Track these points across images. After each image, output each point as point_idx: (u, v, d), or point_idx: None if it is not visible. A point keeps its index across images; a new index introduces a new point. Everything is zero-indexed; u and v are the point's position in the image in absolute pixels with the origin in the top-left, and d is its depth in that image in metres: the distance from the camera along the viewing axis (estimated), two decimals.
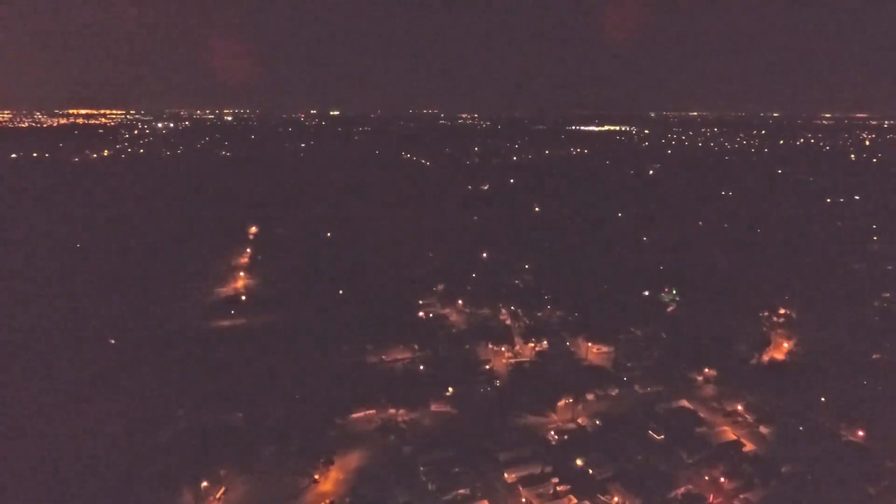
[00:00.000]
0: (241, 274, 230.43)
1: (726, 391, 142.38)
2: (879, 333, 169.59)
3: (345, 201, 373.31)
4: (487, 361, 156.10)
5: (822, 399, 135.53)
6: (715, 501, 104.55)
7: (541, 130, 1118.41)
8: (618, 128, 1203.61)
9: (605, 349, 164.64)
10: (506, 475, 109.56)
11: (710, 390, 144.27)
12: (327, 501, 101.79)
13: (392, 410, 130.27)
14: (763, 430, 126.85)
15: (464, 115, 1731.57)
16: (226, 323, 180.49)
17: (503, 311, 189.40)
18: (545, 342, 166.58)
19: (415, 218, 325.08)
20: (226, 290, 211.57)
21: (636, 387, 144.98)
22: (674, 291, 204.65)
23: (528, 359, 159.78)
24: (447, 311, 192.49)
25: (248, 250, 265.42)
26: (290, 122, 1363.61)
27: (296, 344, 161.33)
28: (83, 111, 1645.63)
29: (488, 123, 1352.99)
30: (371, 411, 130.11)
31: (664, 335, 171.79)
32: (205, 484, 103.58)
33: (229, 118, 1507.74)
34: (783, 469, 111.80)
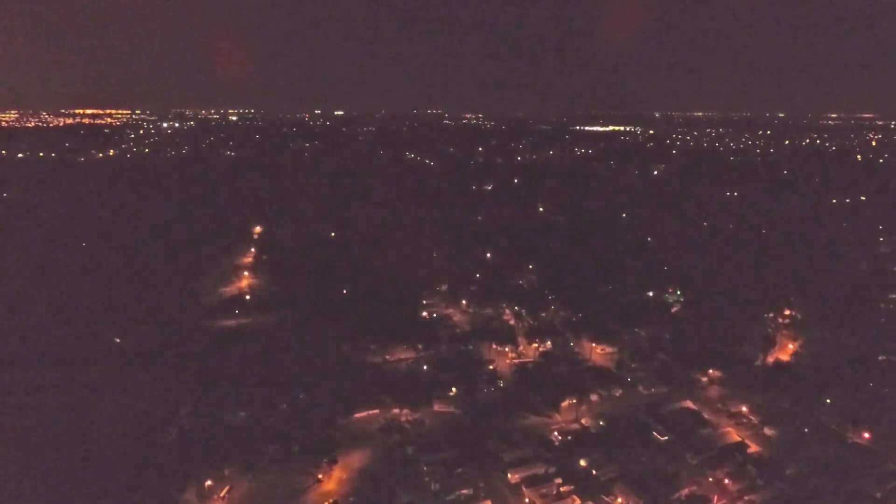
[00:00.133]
0: (246, 273, 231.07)
1: (731, 392, 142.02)
2: (885, 335, 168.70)
3: (349, 201, 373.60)
4: (491, 362, 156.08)
5: (828, 401, 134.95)
6: (719, 503, 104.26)
7: (545, 130, 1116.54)
8: (622, 128, 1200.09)
9: (608, 350, 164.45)
10: (509, 475, 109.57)
11: (714, 391, 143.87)
12: (330, 501, 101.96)
13: (395, 410, 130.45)
14: (768, 431, 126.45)
15: (468, 116, 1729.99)
16: (230, 322, 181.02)
17: (507, 311, 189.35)
18: (549, 342, 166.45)
19: (418, 218, 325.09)
20: (230, 290, 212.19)
21: (640, 387, 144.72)
22: (678, 292, 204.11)
23: (531, 359, 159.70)
24: (451, 311, 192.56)
25: (253, 250, 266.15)
26: (295, 122, 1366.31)
27: (300, 343, 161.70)
28: (89, 111, 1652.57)
29: (492, 123, 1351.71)
30: (374, 411, 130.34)
31: (668, 336, 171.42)
32: (209, 482, 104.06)
33: (234, 118, 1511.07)
34: (788, 471, 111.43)
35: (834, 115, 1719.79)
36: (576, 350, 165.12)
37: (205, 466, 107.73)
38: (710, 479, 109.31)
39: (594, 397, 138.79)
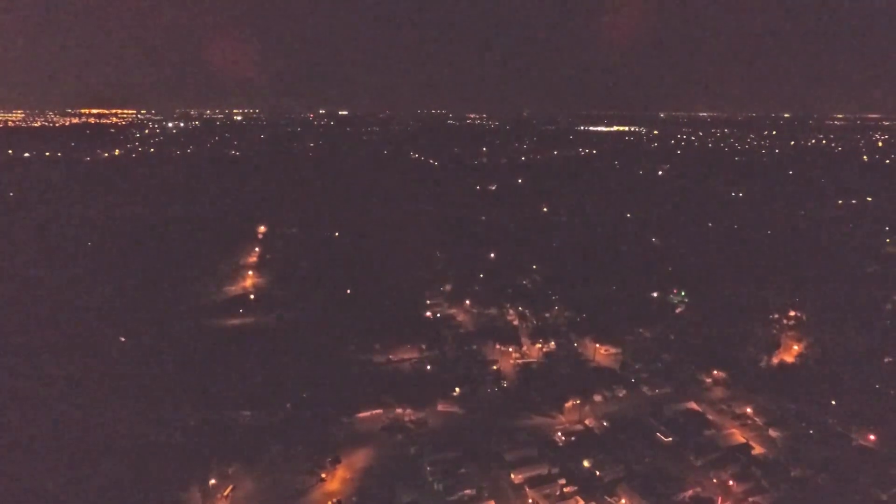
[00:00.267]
0: (250, 273, 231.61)
1: (735, 393, 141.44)
2: (891, 336, 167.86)
3: (353, 201, 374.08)
4: (495, 362, 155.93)
5: (833, 402, 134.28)
6: None
7: (549, 131, 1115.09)
8: (627, 128, 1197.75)
9: (612, 350, 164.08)
10: (512, 476, 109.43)
11: (719, 392, 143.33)
12: (334, 500, 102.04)
13: (399, 410, 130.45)
14: (773, 433, 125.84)
15: (472, 115, 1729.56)
16: (234, 321, 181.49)
17: (511, 311, 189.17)
18: (553, 343, 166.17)
19: (423, 218, 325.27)
20: (235, 289, 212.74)
21: (644, 388, 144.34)
22: (682, 293, 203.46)
23: (535, 359, 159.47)
24: (454, 310, 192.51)
25: (257, 249, 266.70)
26: (299, 121, 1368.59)
27: (303, 343, 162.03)
28: (95, 111, 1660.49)
29: (497, 123, 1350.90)
30: (378, 411, 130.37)
31: (672, 337, 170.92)
32: (213, 481, 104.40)
33: (239, 118, 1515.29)
34: (793, 473, 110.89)
35: (840, 116, 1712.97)
36: (579, 350, 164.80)
37: (208, 465, 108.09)
38: (715, 481, 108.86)
39: (598, 398, 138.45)
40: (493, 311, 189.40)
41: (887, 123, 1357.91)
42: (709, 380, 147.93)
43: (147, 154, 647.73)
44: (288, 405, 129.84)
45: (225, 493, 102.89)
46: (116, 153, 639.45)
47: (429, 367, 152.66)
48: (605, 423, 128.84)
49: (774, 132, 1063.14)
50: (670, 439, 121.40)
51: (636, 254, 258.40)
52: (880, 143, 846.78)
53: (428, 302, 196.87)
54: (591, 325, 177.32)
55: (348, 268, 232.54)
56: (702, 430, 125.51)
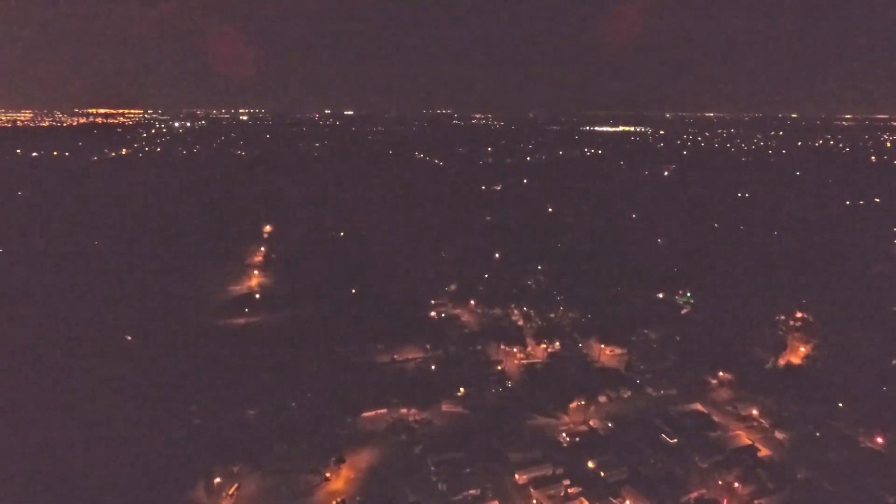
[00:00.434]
0: (256, 272, 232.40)
1: (741, 395, 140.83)
2: None
3: (358, 201, 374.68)
4: (499, 362, 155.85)
5: (840, 404, 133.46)
6: None
7: (554, 131, 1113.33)
8: (632, 128, 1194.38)
9: (618, 351, 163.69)
10: (517, 476, 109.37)
11: (724, 394, 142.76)
12: (338, 499, 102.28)
13: (403, 410, 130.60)
14: (779, 435, 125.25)
15: (477, 116, 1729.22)
16: (240, 321, 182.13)
17: (515, 311, 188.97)
18: (557, 343, 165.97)
19: (427, 218, 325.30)
20: (240, 289, 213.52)
21: (649, 389, 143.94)
22: (688, 294, 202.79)
23: (540, 360, 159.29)
24: (459, 311, 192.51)
25: (263, 249, 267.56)
26: (305, 121, 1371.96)
27: (309, 342, 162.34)
28: (102, 110, 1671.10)
29: (502, 124, 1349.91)
30: (382, 410, 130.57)
31: (678, 338, 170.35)
32: (218, 480, 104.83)
33: (244, 118, 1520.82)
34: (799, 475, 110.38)
35: (848, 116, 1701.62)
36: (584, 351, 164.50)
37: (214, 463, 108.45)
38: (720, 483, 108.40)
39: (603, 399, 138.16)
40: (497, 311, 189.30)
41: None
42: (714, 381, 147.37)
43: (154, 154, 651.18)
44: (293, 404, 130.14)
45: (230, 492, 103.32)
46: (123, 153, 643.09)
47: (433, 367, 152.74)
48: (609, 424, 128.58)
49: (781, 132, 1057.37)
50: (675, 440, 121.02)
51: (642, 254, 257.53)
52: (888, 144, 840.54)
53: (432, 302, 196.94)
54: (596, 325, 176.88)
55: (353, 267, 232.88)
56: (707, 432, 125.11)
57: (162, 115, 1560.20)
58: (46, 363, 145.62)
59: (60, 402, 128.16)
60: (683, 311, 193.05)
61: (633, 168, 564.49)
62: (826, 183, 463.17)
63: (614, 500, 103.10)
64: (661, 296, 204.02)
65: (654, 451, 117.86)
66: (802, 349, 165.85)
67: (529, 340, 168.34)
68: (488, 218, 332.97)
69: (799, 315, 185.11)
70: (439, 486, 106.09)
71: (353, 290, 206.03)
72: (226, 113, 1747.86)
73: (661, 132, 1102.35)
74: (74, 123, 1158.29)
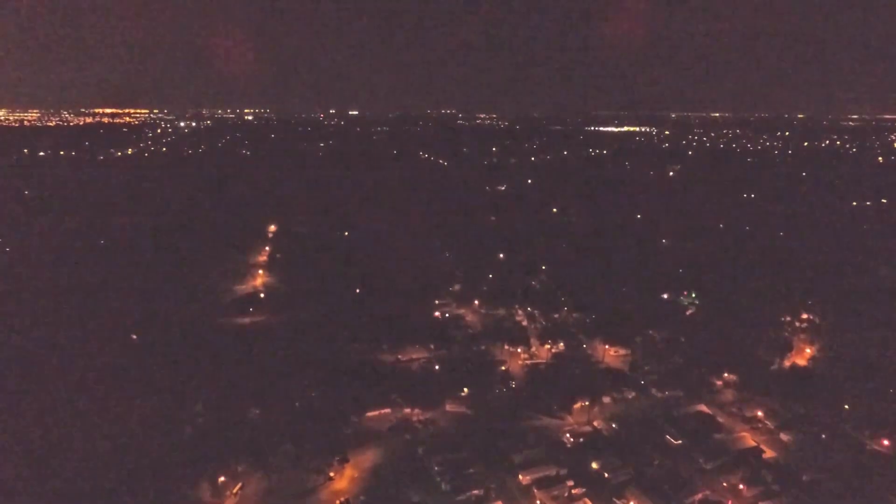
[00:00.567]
0: (260, 272, 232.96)
1: (746, 397, 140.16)
2: None
3: (362, 201, 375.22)
4: (503, 362, 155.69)
5: (846, 407, 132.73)
6: None
7: (559, 131, 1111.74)
8: (637, 129, 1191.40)
9: (622, 352, 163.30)
10: (520, 477, 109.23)
11: (729, 395, 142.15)
12: (341, 499, 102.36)
13: (407, 410, 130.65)
14: (784, 437, 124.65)
15: (482, 116, 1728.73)
16: (245, 320, 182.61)
17: (519, 312, 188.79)
18: (561, 344, 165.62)
19: (432, 218, 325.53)
20: (245, 288, 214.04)
21: (653, 390, 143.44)
22: (693, 295, 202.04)
23: (544, 360, 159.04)
24: (463, 311, 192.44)
25: (267, 248, 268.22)
26: (310, 121, 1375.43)
27: (313, 342, 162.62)
28: (108, 110, 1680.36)
29: (506, 124, 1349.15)
30: (386, 410, 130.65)
31: (683, 339, 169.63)
32: (222, 479, 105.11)
33: (250, 118, 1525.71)
34: (804, 477, 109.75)
35: (854, 117, 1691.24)
36: (589, 352, 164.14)
37: (218, 463, 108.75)
38: (725, 485, 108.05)
39: (607, 400, 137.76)
40: (501, 311, 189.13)
41: None
42: (719, 382, 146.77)
43: (159, 153, 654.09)
44: (297, 404, 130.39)
45: (234, 491, 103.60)
46: (129, 152, 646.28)
47: (437, 367, 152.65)
48: (613, 425, 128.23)
49: (788, 133, 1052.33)
50: (680, 442, 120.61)
51: (646, 255, 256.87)
52: None
53: (437, 302, 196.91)
54: (600, 326, 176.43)
55: (357, 267, 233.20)
56: (712, 433, 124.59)
57: (168, 115, 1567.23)
58: (52, 361, 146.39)
59: (66, 400, 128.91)
60: (688, 312, 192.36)
61: (638, 168, 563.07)
62: (832, 184, 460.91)
63: (618, 501, 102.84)
64: (665, 296, 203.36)
65: (658, 453, 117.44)
66: (808, 351, 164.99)
67: (533, 341, 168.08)
68: (492, 218, 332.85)
69: (804, 316, 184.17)
70: (443, 487, 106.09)
71: (357, 290, 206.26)
72: (231, 113, 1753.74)
73: (667, 132, 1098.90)
74: (81, 123, 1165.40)
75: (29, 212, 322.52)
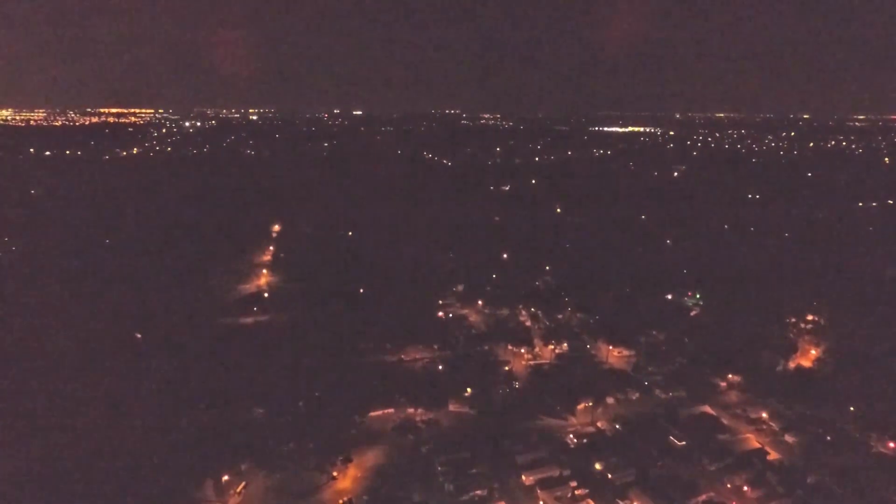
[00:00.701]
0: (264, 271, 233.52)
1: (751, 398, 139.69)
2: None
3: (366, 201, 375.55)
4: (507, 363, 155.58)
5: (851, 408, 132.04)
6: None
7: (563, 131, 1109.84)
8: (642, 129, 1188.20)
9: (626, 353, 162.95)
10: (523, 477, 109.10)
11: (733, 396, 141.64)
12: (345, 498, 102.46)
13: (410, 410, 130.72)
14: (789, 438, 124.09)
15: (486, 116, 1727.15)
16: (248, 319, 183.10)
17: (523, 312, 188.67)
18: (565, 344, 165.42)
19: (436, 218, 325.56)
20: (249, 287, 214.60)
21: (657, 391, 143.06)
22: (697, 295, 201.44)
23: (547, 361, 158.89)
24: (467, 311, 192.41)
25: (271, 248, 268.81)
26: (314, 121, 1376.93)
27: (316, 342, 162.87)
28: (114, 110, 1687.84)
29: (511, 124, 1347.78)
30: (390, 410, 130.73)
31: (687, 339, 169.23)
32: (226, 478, 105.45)
33: (254, 118, 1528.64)
34: (809, 479, 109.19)
35: (860, 117, 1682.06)
36: (592, 352, 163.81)
37: (222, 462, 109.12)
38: (729, 486, 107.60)
39: (610, 400, 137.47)
40: (505, 311, 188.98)
41: None
42: (723, 383, 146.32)
43: (164, 153, 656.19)
44: (300, 403, 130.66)
45: (238, 490, 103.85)
46: (134, 152, 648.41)
47: (441, 368, 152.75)
48: (617, 426, 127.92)
49: (793, 133, 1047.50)
50: (684, 443, 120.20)
51: (650, 255, 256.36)
52: None
53: (440, 302, 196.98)
54: (604, 326, 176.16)
55: (361, 267, 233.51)
56: (716, 435, 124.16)
57: (172, 114, 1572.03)
58: (56, 360, 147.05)
59: (69, 399, 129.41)
60: (692, 313, 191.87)
61: (642, 169, 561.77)
62: (838, 185, 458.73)
63: (621, 503, 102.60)
64: (669, 297, 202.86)
65: (662, 454, 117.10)
66: (813, 352, 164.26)
67: (537, 341, 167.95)
68: (496, 218, 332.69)
69: (810, 317, 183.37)
70: (446, 487, 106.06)
71: (361, 290, 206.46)
72: (236, 113, 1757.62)
73: (671, 133, 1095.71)
74: (86, 123, 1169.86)
75: (35, 211, 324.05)
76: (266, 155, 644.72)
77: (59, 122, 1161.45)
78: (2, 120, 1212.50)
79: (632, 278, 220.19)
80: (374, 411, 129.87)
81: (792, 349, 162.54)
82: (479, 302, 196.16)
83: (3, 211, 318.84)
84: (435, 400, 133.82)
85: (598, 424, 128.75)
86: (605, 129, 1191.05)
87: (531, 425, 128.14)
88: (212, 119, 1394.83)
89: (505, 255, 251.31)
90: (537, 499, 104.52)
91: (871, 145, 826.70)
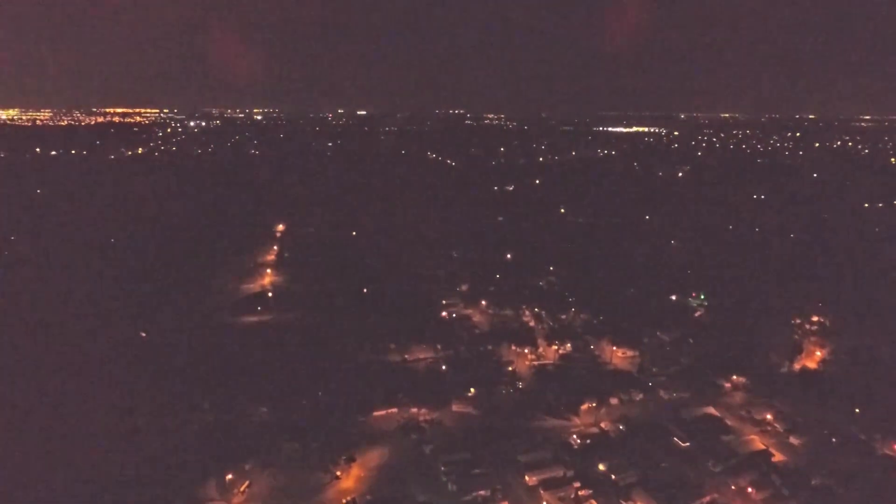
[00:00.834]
0: (268, 271, 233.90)
1: (755, 399, 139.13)
2: None
3: (370, 201, 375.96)
4: (510, 363, 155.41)
5: (857, 410, 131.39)
6: None
7: (567, 131, 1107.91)
8: (646, 129, 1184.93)
9: (630, 353, 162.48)
10: (527, 478, 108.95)
11: (738, 398, 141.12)
12: (348, 498, 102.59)
13: (414, 409, 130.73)
14: (793, 440, 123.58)
15: (490, 116, 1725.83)
16: (252, 319, 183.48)
17: (527, 312, 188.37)
18: (569, 345, 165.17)
19: (439, 218, 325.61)
20: (253, 287, 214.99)
21: (661, 392, 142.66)
22: (702, 296, 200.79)
23: (551, 361, 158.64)
24: (470, 311, 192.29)
25: (275, 248, 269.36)
26: (318, 121, 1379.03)
27: (320, 341, 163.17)
28: (119, 110, 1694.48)
29: (515, 124, 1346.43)
30: (393, 410, 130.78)
31: (691, 340, 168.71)
32: (230, 477, 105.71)
33: (259, 117, 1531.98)
34: (814, 481, 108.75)
35: (867, 117, 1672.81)
36: (596, 353, 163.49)
37: (225, 461, 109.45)
38: (733, 488, 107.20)
39: (614, 401, 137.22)
40: (509, 311, 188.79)
41: None
42: (728, 385, 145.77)
43: (169, 152, 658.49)
44: (304, 403, 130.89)
45: (241, 489, 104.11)
46: (140, 151, 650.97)
47: (444, 368, 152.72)
48: (621, 427, 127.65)
49: (798, 134, 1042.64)
50: (688, 444, 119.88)
51: (655, 256, 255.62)
52: None
53: (444, 302, 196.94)
54: (608, 327, 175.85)
55: (365, 267, 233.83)
56: (720, 436, 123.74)
57: (178, 114, 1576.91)
58: (61, 359, 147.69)
59: (74, 397, 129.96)
60: (697, 314, 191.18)
61: (646, 169, 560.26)
62: (844, 185, 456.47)
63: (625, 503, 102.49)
64: (674, 298, 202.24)
65: (665, 455, 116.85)
66: (818, 353, 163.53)
67: (541, 341, 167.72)
68: (500, 218, 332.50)
69: (815, 318, 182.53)
70: (449, 487, 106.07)
71: (365, 290, 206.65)
72: (240, 112, 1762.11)
73: (676, 133, 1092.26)
74: (92, 122, 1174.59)
75: (41, 210, 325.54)
76: (270, 155, 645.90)
77: (65, 122, 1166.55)
78: (8, 119, 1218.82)
79: (636, 279, 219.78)
80: (377, 411, 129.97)
81: (797, 350, 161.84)
82: (483, 302, 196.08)
83: (10, 210, 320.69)
84: (438, 400, 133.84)
85: (602, 425, 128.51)
86: (610, 129, 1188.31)
87: (534, 426, 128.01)
88: (216, 119, 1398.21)
89: (508, 256, 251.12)
90: (540, 499, 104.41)
91: (878, 146, 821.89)
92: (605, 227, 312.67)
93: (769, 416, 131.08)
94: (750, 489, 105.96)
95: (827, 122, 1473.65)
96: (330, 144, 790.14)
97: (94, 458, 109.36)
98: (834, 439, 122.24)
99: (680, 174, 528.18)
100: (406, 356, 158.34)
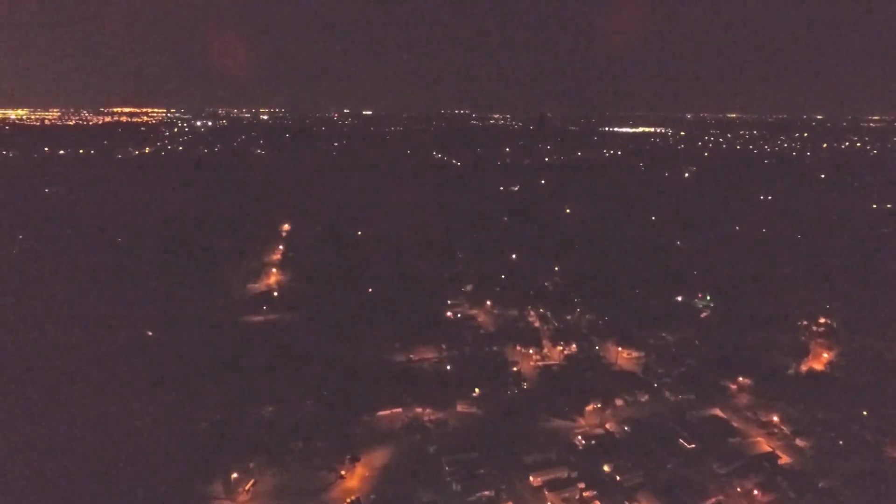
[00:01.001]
0: (274, 270, 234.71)
1: (761, 401, 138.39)
2: None
3: (376, 200, 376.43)
4: (515, 363, 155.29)
5: (864, 413, 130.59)
6: None
7: (573, 132, 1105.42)
8: (653, 129, 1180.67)
9: (635, 354, 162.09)
10: (531, 478, 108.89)
11: (744, 399, 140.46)
12: (352, 497, 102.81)
13: (418, 409, 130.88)
14: (800, 442, 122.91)
15: (496, 116, 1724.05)
16: (258, 318, 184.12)
17: (532, 313, 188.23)
18: (574, 346, 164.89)
19: (445, 218, 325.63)
20: (259, 287, 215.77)
21: (667, 393, 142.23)
22: (708, 297, 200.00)
23: (556, 362, 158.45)
24: (475, 311, 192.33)
25: (281, 247, 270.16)
26: (324, 121, 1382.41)
27: (325, 341, 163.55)
28: (127, 109, 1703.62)
29: (520, 124, 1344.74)
30: (398, 410, 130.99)
31: (697, 342, 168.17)
32: (235, 475, 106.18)
33: (265, 117, 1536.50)
34: (821, 484, 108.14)
35: (875, 118, 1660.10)
36: (601, 354, 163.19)
37: (231, 459, 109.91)
38: (739, 490, 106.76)
39: (619, 402, 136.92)
40: (514, 312, 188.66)
41: None
42: (734, 386, 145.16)
43: (176, 152, 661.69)
44: (309, 402, 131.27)
45: (246, 488, 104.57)
46: (147, 151, 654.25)
47: (449, 368, 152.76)
48: (626, 428, 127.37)
49: (806, 134, 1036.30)
50: (693, 446, 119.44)
51: (661, 257, 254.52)
52: None
53: (449, 302, 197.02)
54: (613, 328, 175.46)
55: (370, 267, 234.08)
56: (726, 438, 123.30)
57: (184, 114, 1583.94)
58: (67, 358, 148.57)
59: (80, 396, 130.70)
60: (703, 315, 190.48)
61: (652, 169, 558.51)
62: (852, 186, 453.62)
63: None
64: (679, 299, 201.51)
65: (671, 456, 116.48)
66: (825, 355, 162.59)
67: (546, 342, 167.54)
68: (505, 218, 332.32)
69: (822, 320, 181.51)
70: (453, 487, 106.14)
71: (370, 290, 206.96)
72: (246, 112, 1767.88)
73: (682, 133, 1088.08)
74: (100, 122, 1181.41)
75: (49, 209, 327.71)
76: (276, 154, 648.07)
77: (73, 122, 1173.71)
78: (17, 119, 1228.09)
79: (641, 279, 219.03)
80: (382, 411, 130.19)
81: (804, 352, 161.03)
82: (488, 302, 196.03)
83: (18, 209, 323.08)
84: (443, 400, 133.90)
85: (607, 426, 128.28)
86: (616, 129, 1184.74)
87: (539, 426, 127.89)
88: (223, 119, 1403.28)
89: (514, 256, 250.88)
90: (545, 500, 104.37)
91: (886, 146, 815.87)
92: (610, 228, 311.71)
93: (775, 418, 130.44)
94: (756, 491, 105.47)
95: (835, 122, 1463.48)
96: (335, 144, 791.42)
97: (101, 456, 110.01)
98: (841, 442, 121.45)
99: (686, 175, 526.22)
100: (411, 356, 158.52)
